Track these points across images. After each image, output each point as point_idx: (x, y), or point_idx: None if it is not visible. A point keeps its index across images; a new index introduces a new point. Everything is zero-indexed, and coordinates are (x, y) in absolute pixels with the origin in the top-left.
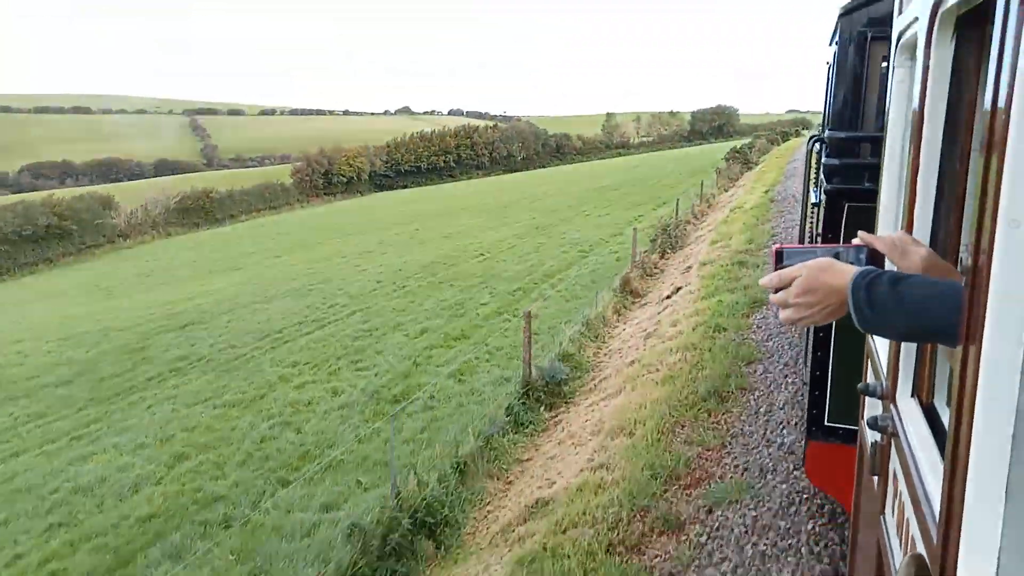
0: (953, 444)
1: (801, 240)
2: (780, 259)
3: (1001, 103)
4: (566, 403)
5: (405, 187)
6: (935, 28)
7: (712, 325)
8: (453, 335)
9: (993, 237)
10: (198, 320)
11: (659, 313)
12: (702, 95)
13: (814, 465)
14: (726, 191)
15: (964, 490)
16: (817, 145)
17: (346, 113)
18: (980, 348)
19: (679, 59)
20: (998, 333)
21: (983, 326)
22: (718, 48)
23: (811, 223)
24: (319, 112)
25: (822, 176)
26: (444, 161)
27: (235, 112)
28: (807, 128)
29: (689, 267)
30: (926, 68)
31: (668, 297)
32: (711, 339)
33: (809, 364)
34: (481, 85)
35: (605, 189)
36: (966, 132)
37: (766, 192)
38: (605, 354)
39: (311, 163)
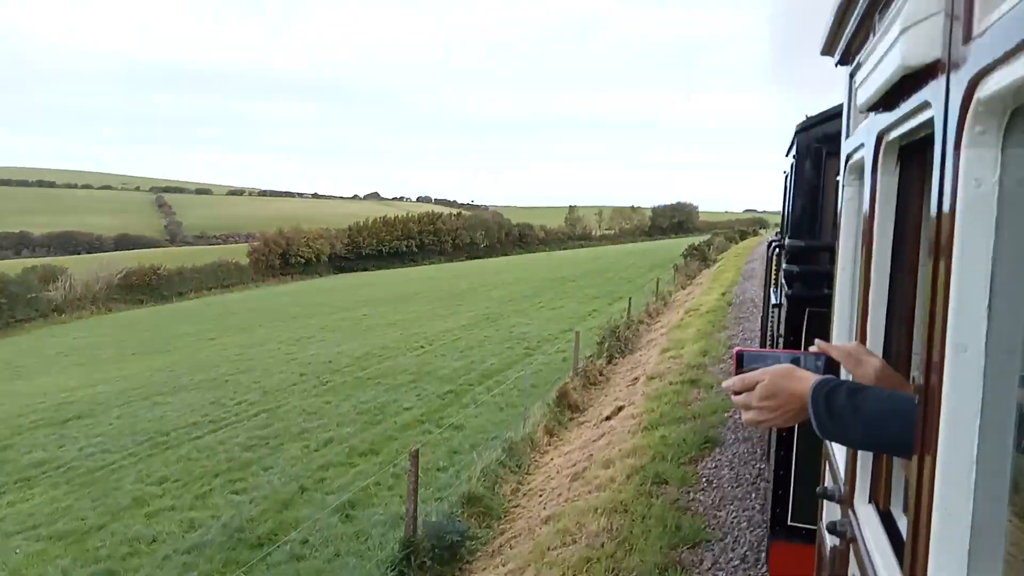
0: (911, 556)
1: (763, 339)
2: (740, 363)
3: (944, 233)
4: (460, 570)
5: (365, 270)
6: (880, 155)
7: (651, 474)
8: (360, 449)
9: (943, 359)
10: (87, 413)
11: (595, 441)
12: (662, 192)
13: (777, 565)
14: (683, 288)
15: None
16: (778, 250)
17: (315, 196)
18: (935, 463)
19: (641, 159)
20: (951, 451)
21: (936, 443)
22: (678, 149)
23: (772, 323)
24: (287, 194)
25: (783, 280)
26: (407, 246)
27: (203, 191)
28: (764, 228)
29: (636, 378)
30: (873, 190)
31: (608, 419)
32: (647, 497)
33: (772, 462)
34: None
35: (563, 280)
36: (912, 249)
37: (723, 294)
38: (524, 494)
39: (268, 243)
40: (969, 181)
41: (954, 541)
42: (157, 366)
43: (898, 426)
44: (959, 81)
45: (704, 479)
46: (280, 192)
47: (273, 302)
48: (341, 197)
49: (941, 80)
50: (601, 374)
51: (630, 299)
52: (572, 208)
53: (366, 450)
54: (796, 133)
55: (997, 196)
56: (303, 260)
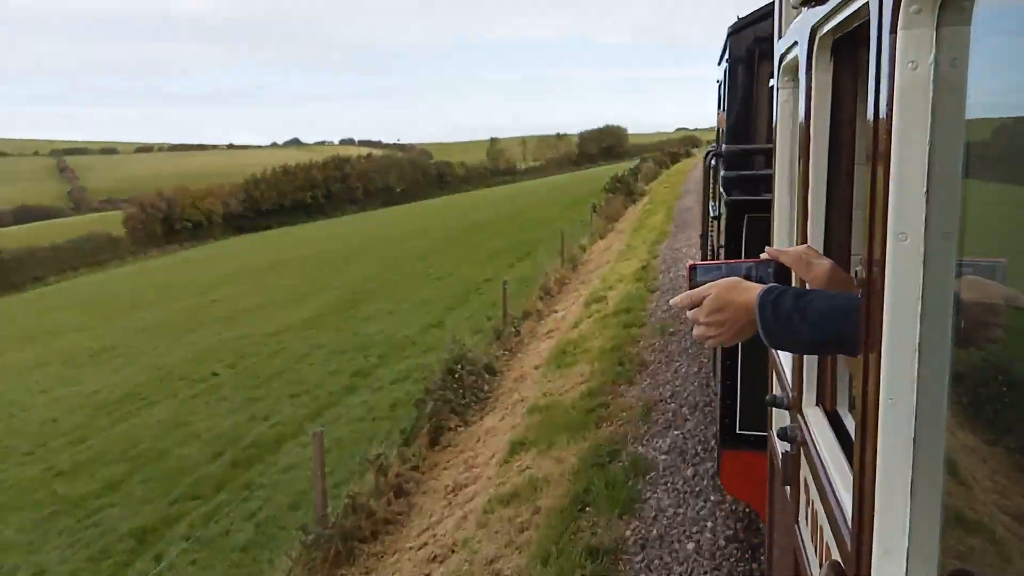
0: (860, 450)
1: (703, 254)
2: (693, 277)
3: (883, 120)
4: None
5: (268, 228)
6: (814, 52)
7: None
8: None
9: (884, 251)
10: None
11: None
12: (592, 114)
13: (729, 474)
14: (601, 239)
15: (873, 494)
16: (714, 160)
17: (230, 147)
18: (879, 356)
19: (569, 76)
20: (895, 341)
21: (881, 336)
22: (608, 67)
23: (712, 236)
24: (200, 147)
25: (721, 189)
26: (312, 197)
27: (109, 151)
28: (697, 147)
29: (464, 518)
30: (808, 89)
31: None
32: None
33: (719, 374)
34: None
35: (472, 228)
36: (849, 147)
37: (644, 267)
38: None
39: (146, 208)
40: (905, 63)
41: (900, 431)
42: None
43: (844, 324)
44: None
45: None
46: (193, 145)
47: (131, 285)
48: (259, 146)
49: None
50: (417, 469)
51: (505, 286)
52: (494, 141)
53: None
54: (728, 36)
55: (933, 77)
56: (191, 224)
